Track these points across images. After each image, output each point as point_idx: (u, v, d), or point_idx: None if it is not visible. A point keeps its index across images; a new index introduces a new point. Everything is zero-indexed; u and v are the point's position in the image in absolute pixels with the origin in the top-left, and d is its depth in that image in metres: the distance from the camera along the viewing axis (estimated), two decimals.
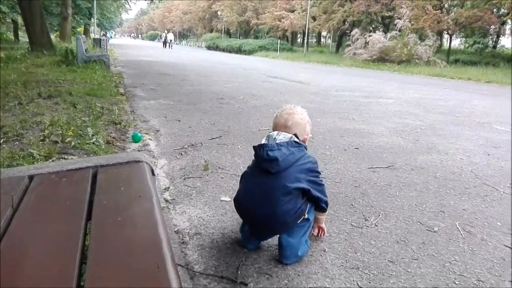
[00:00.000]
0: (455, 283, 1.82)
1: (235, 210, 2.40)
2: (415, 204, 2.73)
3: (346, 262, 1.94)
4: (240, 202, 1.95)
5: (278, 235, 1.93)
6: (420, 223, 2.43)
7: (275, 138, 1.87)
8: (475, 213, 2.63)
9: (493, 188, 3.14)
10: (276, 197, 1.77)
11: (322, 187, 1.97)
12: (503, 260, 2.04)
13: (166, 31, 47.10)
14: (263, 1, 44.48)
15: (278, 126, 2.00)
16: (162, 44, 42.01)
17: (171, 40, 41.56)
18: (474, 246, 2.17)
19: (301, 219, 1.88)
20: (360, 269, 1.89)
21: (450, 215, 2.57)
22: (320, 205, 1.97)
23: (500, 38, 30.19)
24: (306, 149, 1.95)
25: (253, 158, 1.91)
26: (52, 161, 2.97)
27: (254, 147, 1.88)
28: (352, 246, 2.10)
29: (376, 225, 2.37)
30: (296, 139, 1.90)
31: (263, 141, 1.87)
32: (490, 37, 29.77)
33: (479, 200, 2.87)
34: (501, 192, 3.07)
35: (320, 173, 1.98)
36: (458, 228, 2.38)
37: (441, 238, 2.25)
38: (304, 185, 1.83)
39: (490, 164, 3.84)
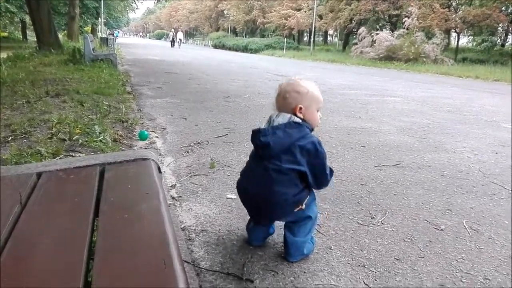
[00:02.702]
0: (461, 281, 1.81)
1: (241, 208, 2.41)
2: (422, 202, 2.72)
3: (352, 260, 1.94)
4: (239, 183, 1.91)
5: (282, 231, 1.93)
6: (427, 221, 2.42)
7: (273, 120, 1.77)
8: (483, 212, 2.61)
9: (500, 187, 3.11)
10: (271, 178, 1.72)
11: (322, 171, 1.81)
12: (510, 259, 2.02)
13: (173, 30, 46.31)
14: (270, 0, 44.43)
15: (277, 102, 1.84)
16: (170, 43, 41.42)
17: (180, 39, 40.84)
18: (481, 245, 2.16)
19: (298, 207, 1.79)
20: (366, 266, 1.89)
21: (457, 213, 2.56)
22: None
23: (508, 36, 29.93)
24: (311, 129, 1.80)
25: None
26: (60, 158, 3.00)
27: (252, 130, 1.79)
28: (358, 244, 2.10)
29: (382, 223, 2.36)
30: (296, 119, 1.75)
31: (263, 125, 1.80)
32: (498, 35, 29.51)
33: (486, 199, 2.85)
34: (508, 190, 3.04)
35: (323, 155, 1.79)
36: (465, 226, 2.37)
37: (448, 236, 2.24)
38: (300, 167, 1.73)
39: (498, 162, 3.81)
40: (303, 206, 1.80)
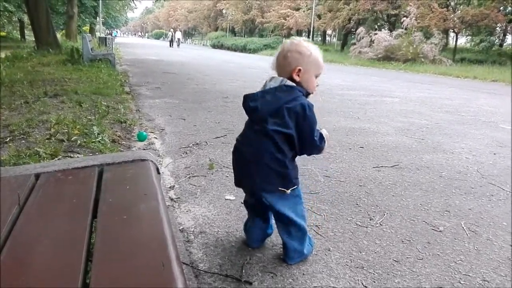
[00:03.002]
0: (460, 283, 1.81)
1: (240, 209, 2.42)
2: (420, 204, 2.72)
3: (351, 262, 1.94)
4: (234, 146, 1.87)
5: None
6: (425, 222, 2.42)
7: (266, 84, 1.76)
8: (481, 213, 2.62)
9: (499, 188, 3.12)
10: (260, 140, 1.71)
11: (309, 135, 1.73)
12: (509, 260, 2.03)
13: (172, 30, 46.25)
14: None
15: (277, 60, 1.78)
16: (169, 43, 41.29)
17: (179, 39, 40.77)
18: (479, 246, 2.16)
19: (283, 190, 1.73)
20: (365, 268, 1.89)
21: (455, 215, 2.56)
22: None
23: (506, 37, 29.98)
24: (306, 94, 1.75)
25: None
26: (58, 159, 2.99)
27: (243, 95, 1.79)
28: (356, 245, 2.10)
29: (381, 225, 2.36)
30: (288, 83, 1.71)
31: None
32: (496, 35, 29.57)
33: (484, 200, 2.86)
34: (507, 191, 3.05)
35: (312, 119, 1.71)
36: (463, 228, 2.37)
37: (446, 237, 2.24)
38: (287, 130, 1.68)
39: (496, 163, 3.82)
40: (288, 191, 1.75)
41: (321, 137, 1.77)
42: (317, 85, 1.80)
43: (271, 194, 1.76)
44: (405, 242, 2.16)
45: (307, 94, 1.77)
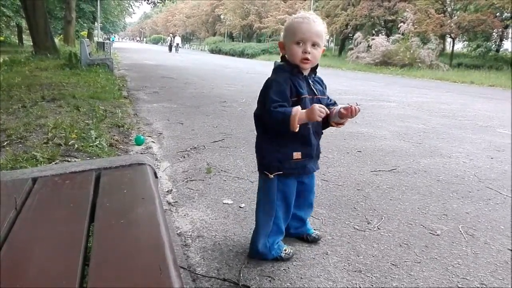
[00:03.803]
0: (458, 287, 1.81)
1: (237, 213, 2.42)
2: (418, 208, 2.72)
3: (349, 265, 1.94)
4: None
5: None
6: (423, 226, 2.43)
7: None
8: (478, 217, 2.62)
9: (496, 192, 3.13)
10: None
11: (261, 105, 1.70)
12: (506, 264, 2.03)
13: (171, 35, 46.15)
14: (266, 4, 44.57)
15: None
16: (168, 48, 41.09)
17: (177, 44, 40.68)
18: (477, 250, 2.17)
19: (259, 160, 1.84)
20: (362, 272, 1.89)
21: (453, 219, 2.56)
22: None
23: (503, 42, 30.16)
24: (289, 69, 1.71)
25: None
26: (56, 163, 2.98)
27: None
28: (354, 249, 2.10)
29: (378, 228, 2.36)
30: (277, 62, 1.76)
31: None
32: (493, 40, 29.73)
33: (482, 204, 2.86)
34: (504, 195, 3.06)
35: (267, 91, 1.66)
36: (461, 232, 2.38)
37: (444, 241, 2.24)
38: (257, 110, 1.77)
39: (493, 167, 3.83)
40: (262, 176, 1.83)
41: (281, 113, 1.60)
42: (306, 53, 1.65)
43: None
44: (403, 246, 2.16)
45: (295, 68, 1.70)
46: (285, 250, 1.93)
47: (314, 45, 1.66)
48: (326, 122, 1.79)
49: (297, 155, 1.77)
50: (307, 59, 1.66)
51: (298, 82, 1.70)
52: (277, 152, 1.75)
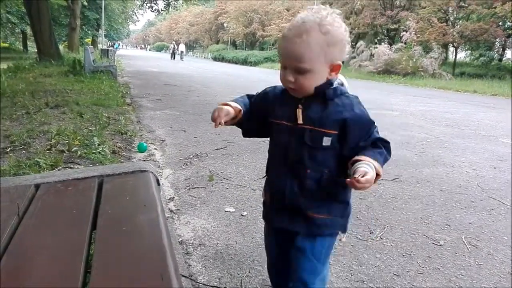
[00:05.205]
0: None
1: (239, 221, 2.41)
2: (421, 217, 2.71)
3: (351, 275, 1.93)
4: None
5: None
6: (426, 236, 2.41)
7: None
8: (481, 227, 2.60)
9: (499, 202, 3.11)
10: None
11: None
12: (510, 275, 2.01)
13: (174, 42, 46.11)
14: (269, 13, 44.81)
15: None
16: (170, 55, 41.13)
17: (182, 52, 40.31)
18: (480, 260, 2.15)
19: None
20: (365, 282, 1.88)
21: (456, 229, 2.55)
22: None
23: (506, 51, 30.16)
24: (281, 89, 1.33)
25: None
26: (58, 170, 2.99)
27: None
28: (357, 259, 2.09)
29: (381, 238, 2.35)
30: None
31: None
32: (495, 50, 29.75)
33: (485, 214, 2.85)
34: (507, 205, 3.04)
35: None
36: (464, 242, 2.36)
37: (447, 251, 2.23)
38: None
39: (496, 177, 3.82)
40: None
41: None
42: (289, 80, 1.20)
43: None
44: (406, 256, 2.15)
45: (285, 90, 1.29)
46: None
47: (298, 71, 1.18)
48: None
49: (265, 195, 1.41)
50: (290, 88, 1.23)
51: (282, 103, 1.30)
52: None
